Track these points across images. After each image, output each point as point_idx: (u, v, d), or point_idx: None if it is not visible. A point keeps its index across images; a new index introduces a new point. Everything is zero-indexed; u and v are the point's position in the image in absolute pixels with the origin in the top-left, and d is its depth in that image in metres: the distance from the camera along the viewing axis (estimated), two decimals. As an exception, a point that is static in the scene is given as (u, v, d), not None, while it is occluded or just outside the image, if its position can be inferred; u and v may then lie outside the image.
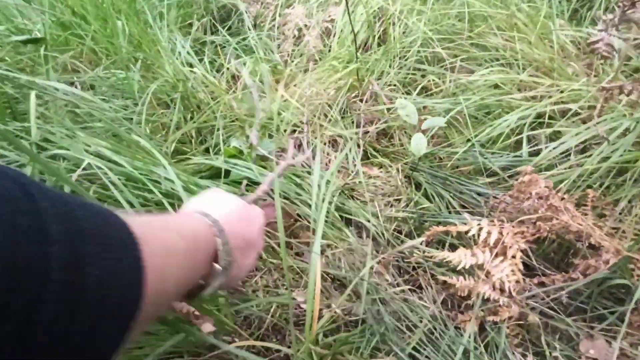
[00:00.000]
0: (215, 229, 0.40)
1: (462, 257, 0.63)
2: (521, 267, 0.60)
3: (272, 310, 0.67)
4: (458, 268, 0.61)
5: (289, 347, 0.62)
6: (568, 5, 1.37)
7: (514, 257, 0.60)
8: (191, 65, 1.08)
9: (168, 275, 0.31)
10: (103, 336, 0.24)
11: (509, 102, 0.99)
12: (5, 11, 0.90)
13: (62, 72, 0.90)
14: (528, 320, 0.62)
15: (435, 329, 0.64)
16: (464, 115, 0.98)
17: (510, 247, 0.60)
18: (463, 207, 0.86)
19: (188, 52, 1.15)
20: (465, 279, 0.62)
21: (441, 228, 0.68)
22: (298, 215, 0.83)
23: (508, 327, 0.62)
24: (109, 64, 0.89)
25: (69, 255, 0.22)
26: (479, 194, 0.84)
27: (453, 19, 1.21)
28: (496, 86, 1.05)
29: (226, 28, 1.33)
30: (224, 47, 1.29)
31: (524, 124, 0.94)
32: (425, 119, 0.84)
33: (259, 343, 0.59)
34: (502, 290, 0.58)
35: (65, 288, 0.21)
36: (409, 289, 0.75)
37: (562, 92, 0.99)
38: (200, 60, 1.18)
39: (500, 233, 0.62)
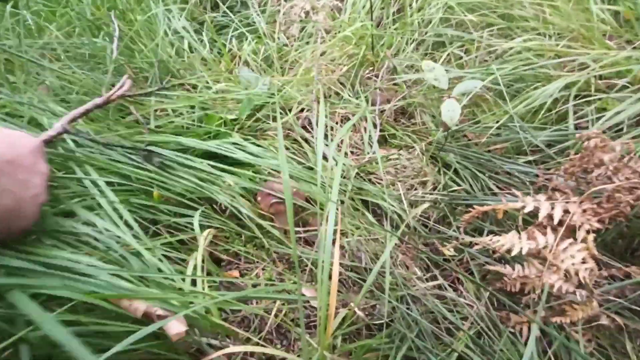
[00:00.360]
0: None
1: (514, 242, 0.49)
2: (595, 252, 0.46)
3: (275, 308, 0.54)
4: (513, 254, 0.48)
5: (299, 355, 0.49)
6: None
7: (583, 240, 0.47)
8: (190, 48, 0.96)
9: None
10: None
11: (545, 73, 0.87)
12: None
13: (36, 37, 0.79)
14: (600, 321, 0.49)
15: (483, 333, 0.51)
16: (492, 90, 0.86)
17: (579, 227, 0.47)
18: (500, 189, 0.73)
19: (184, 27, 1.04)
20: (521, 268, 0.49)
21: (485, 207, 0.55)
22: (308, 200, 0.71)
23: (577, 331, 0.48)
24: (81, 30, 0.78)
25: None
26: (521, 174, 0.71)
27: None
28: (529, 59, 0.93)
29: (227, 7, 1.22)
30: (224, 27, 1.18)
31: (566, 96, 0.81)
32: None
33: (259, 349, 0.46)
34: (579, 284, 0.45)
35: None
36: (442, 285, 0.61)
37: (603, 64, 0.86)
38: (200, 41, 1.07)
39: (566, 210, 0.49)
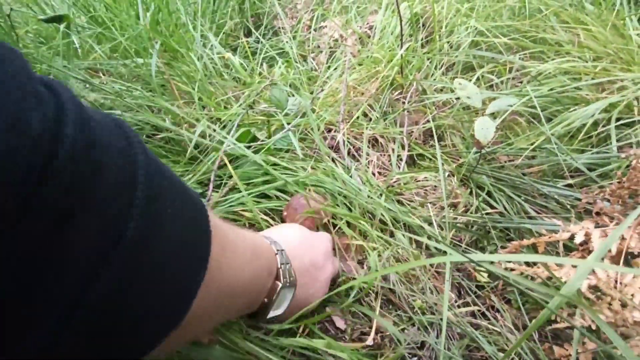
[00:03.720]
0: (274, 247, 0.42)
1: (570, 274, 0.46)
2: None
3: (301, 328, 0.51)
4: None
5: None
6: (637, 8, 1.23)
7: None
8: (225, 59, 1.00)
9: (225, 267, 0.30)
10: (168, 291, 0.24)
11: (582, 96, 0.84)
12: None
13: (83, 58, 0.83)
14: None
15: (525, 365, 0.46)
16: (526, 113, 0.84)
17: (638, 254, 0.43)
18: (538, 213, 0.69)
19: (219, 52, 1.08)
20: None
21: (525, 242, 0.52)
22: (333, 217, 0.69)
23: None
24: (127, 48, 0.82)
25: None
26: (560, 197, 0.67)
27: (507, 17, 1.09)
28: (564, 83, 0.90)
29: (260, 33, 1.27)
30: (256, 52, 1.23)
31: (606, 118, 0.78)
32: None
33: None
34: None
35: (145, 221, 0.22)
36: (477, 312, 0.57)
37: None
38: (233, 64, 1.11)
39: (622, 237, 0.45)
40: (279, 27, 1.37)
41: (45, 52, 0.79)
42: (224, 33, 1.14)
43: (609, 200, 0.57)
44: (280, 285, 0.40)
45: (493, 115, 0.80)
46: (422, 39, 1.15)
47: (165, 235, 0.23)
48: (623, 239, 0.45)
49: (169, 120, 0.84)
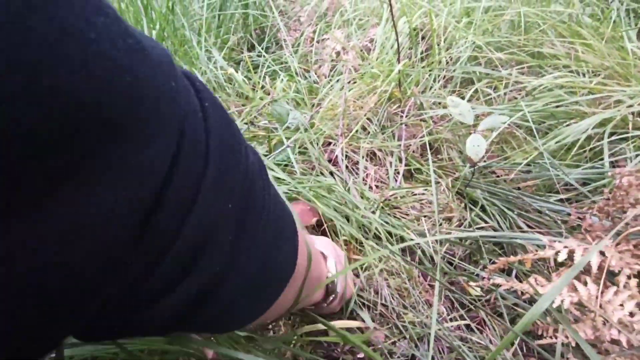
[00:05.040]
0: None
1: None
2: None
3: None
4: (555, 306, 0.46)
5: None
6: (636, 21, 1.24)
7: (626, 286, 0.44)
8: (228, 74, 1.03)
9: (302, 268, 0.35)
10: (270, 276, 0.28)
11: (578, 110, 0.85)
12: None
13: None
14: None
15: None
16: (522, 127, 0.85)
17: (619, 271, 0.44)
18: (530, 227, 0.70)
19: (222, 66, 1.11)
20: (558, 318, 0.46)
21: (512, 258, 0.53)
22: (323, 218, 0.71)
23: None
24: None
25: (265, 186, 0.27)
26: (552, 212, 0.68)
27: (505, 30, 1.11)
28: (560, 96, 0.91)
29: (263, 48, 1.30)
30: (258, 65, 1.26)
31: (600, 134, 0.79)
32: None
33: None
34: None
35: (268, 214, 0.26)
36: (466, 326, 0.59)
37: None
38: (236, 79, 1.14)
39: (602, 254, 0.46)
40: (283, 39, 1.40)
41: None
42: (227, 48, 1.17)
43: (598, 217, 0.58)
44: (333, 277, 0.47)
45: (490, 129, 0.81)
46: (421, 52, 1.17)
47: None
48: (604, 256, 0.46)
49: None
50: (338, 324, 0.51)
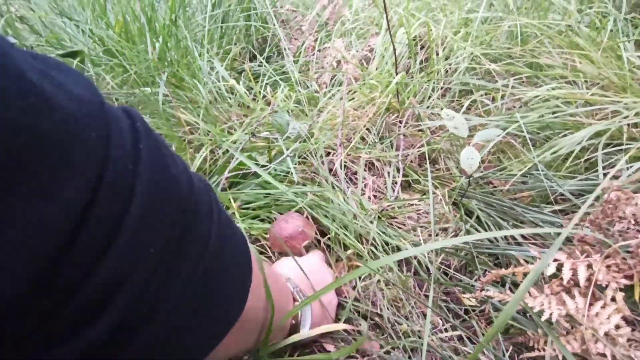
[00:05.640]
0: (288, 283, 0.51)
1: (543, 306, 0.48)
2: (627, 312, 0.44)
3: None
4: (542, 319, 0.47)
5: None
6: (634, 30, 1.24)
7: (613, 299, 0.45)
8: (229, 86, 1.05)
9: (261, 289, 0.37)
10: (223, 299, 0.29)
11: (574, 122, 0.86)
12: (51, 28, 0.93)
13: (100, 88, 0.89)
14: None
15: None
16: (521, 138, 0.86)
17: (606, 285, 0.45)
18: (525, 238, 0.71)
19: (223, 77, 1.13)
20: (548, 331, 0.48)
21: (503, 271, 0.55)
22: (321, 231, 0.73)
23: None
24: (137, 79, 0.87)
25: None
26: (545, 223, 0.69)
27: (503, 40, 1.12)
28: (557, 107, 0.92)
29: (264, 58, 1.32)
30: (260, 75, 1.28)
31: (595, 144, 0.80)
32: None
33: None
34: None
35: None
36: (458, 337, 0.60)
37: (637, 112, 0.84)
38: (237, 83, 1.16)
39: (589, 267, 0.47)
40: (284, 48, 1.43)
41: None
42: (229, 58, 1.19)
43: (589, 229, 0.59)
44: (299, 302, 0.48)
45: (487, 140, 0.83)
46: (420, 62, 1.19)
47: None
48: (591, 269, 0.47)
49: (174, 146, 0.89)
50: (322, 328, 0.52)
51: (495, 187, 0.84)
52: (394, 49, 0.91)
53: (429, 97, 1.08)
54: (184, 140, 0.89)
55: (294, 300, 0.49)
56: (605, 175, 0.74)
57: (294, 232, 0.66)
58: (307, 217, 0.74)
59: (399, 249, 0.71)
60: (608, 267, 0.48)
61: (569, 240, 0.65)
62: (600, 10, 1.25)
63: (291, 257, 0.57)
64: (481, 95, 0.99)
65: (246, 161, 0.81)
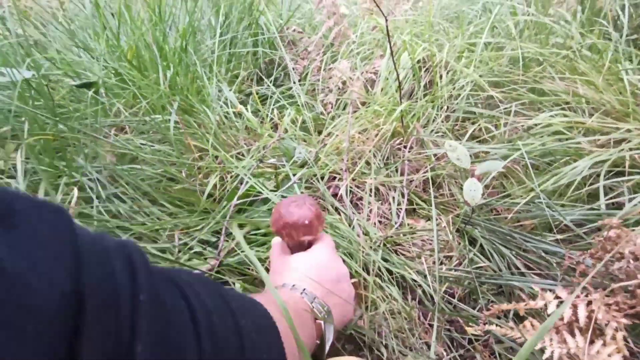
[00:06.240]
0: (297, 293, 0.49)
1: (545, 343, 0.49)
2: (626, 352, 0.45)
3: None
4: (544, 357, 0.48)
5: None
6: (636, 52, 1.26)
7: (614, 338, 0.46)
8: (238, 111, 1.08)
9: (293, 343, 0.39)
10: None
11: (576, 149, 0.87)
12: (66, 57, 0.97)
13: (113, 116, 0.92)
14: None
15: None
16: (524, 163, 0.87)
17: (606, 324, 0.46)
18: (528, 267, 0.73)
19: (231, 102, 1.16)
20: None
21: (505, 306, 0.56)
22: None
23: None
24: (148, 108, 0.91)
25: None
26: (548, 253, 0.71)
27: (506, 65, 1.14)
28: (559, 132, 0.94)
29: (271, 81, 1.36)
30: (267, 97, 1.31)
31: (598, 173, 0.81)
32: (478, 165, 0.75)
33: None
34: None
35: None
36: (465, 368, 0.61)
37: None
38: (244, 108, 1.19)
39: (589, 304, 0.48)
40: (291, 70, 1.46)
41: (79, 110, 0.89)
42: (237, 83, 1.23)
43: (590, 262, 0.61)
44: (322, 323, 0.47)
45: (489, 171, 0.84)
46: (424, 85, 1.21)
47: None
48: (590, 307, 0.48)
49: (184, 172, 0.91)
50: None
51: (498, 213, 0.86)
52: (398, 77, 0.94)
53: (433, 120, 1.10)
54: (194, 166, 0.91)
55: (315, 319, 0.47)
56: (608, 206, 0.75)
57: (299, 222, 0.57)
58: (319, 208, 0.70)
59: (403, 279, 0.72)
60: (608, 305, 0.49)
61: (572, 269, 0.67)
62: (602, 30, 1.26)
63: (303, 257, 0.57)
64: (485, 122, 1.00)
65: (258, 186, 0.84)
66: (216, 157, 0.97)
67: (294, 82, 1.32)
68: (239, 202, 0.82)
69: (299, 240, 0.58)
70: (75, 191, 0.67)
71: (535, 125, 0.89)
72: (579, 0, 1.30)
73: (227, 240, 0.81)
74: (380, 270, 0.71)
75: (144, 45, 1.00)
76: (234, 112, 1.13)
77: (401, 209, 0.89)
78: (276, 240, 0.64)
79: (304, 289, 0.49)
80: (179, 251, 0.76)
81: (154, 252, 0.73)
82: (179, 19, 1.23)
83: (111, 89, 0.92)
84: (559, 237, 0.73)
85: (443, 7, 1.51)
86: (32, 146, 0.79)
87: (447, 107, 1.09)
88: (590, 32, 1.24)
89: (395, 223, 0.86)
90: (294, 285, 0.50)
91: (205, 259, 0.76)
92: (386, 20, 0.88)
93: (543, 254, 0.69)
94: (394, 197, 0.92)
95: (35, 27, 1.27)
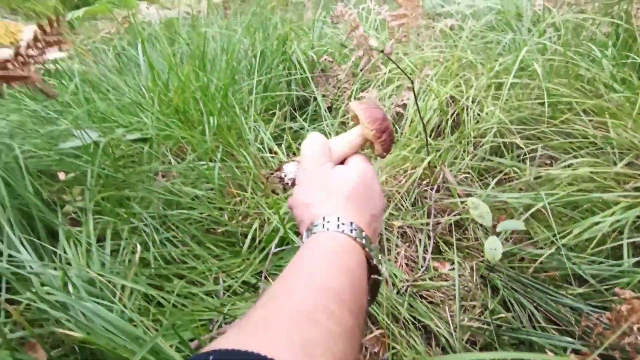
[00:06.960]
0: (357, 240, 0.42)
1: None
2: None
3: None
4: None
5: None
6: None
7: None
8: (274, 152, 1.17)
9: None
10: None
11: (603, 198, 0.89)
12: (123, 111, 1.10)
13: (162, 163, 1.04)
14: None
15: None
16: (548, 210, 0.90)
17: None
18: (549, 320, 0.76)
19: (269, 139, 1.25)
20: None
21: None
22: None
23: None
24: (195, 156, 1.01)
25: None
26: (567, 306, 0.74)
27: (532, 106, 1.16)
28: (586, 180, 0.96)
29: (304, 115, 1.44)
30: (301, 132, 1.39)
31: (624, 225, 0.83)
32: (500, 221, 0.79)
33: None
34: None
35: None
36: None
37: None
38: (279, 145, 1.28)
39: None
40: (323, 110, 1.52)
41: (134, 161, 1.00)
42: (273, 123, 1.32)
43: (608, 325, 0.64)
44: (374, 264, 0.42)
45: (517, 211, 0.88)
46: (451, 123, 1.24)
47: None
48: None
49: (226, 215, 1.01)
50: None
51: (523, 259, 0.89)
52: (424, 128, 0.99)
53: (462, 157, 1.13)
54: (235, 210, 1.01)
55: (368, 262, 0.41)
56: (634, 263, 0.77)
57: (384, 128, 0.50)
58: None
59: (428, 325, 0.78)
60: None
61: (589, 328, 0.70)
62: (635, 62, 1.25)
63: (350, 175, 0.48)
64: (512, 165, 1.03)
65: (290, 235, 0.92)
66: (253, 197, 1.06)
67: (325, 118, 1.39)
68: (277, 249, 0.90)
69: (382, 154, 0.52)
70: (138, 247, 0.78)
71: (561, 173, 0.91)
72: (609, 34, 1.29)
73: (268, 281, 0.89)
74: (405, 319, 0.77)
75: (190, 97, 1.11)
76: (269, 150, 1.22)
77: (427, 251, 0.95)
78: (319, 139, 0.51)
79: (359, 229, 0.42)
80: (224, 294, 0.85)
81: (202, 296, 0.83)
82: (220, 67, 1.34)
83: (162, 143, 1.04)
84: (580, 290, 0.77)
85: (472, 36, 1.53)
86: (96, 191, 0.91)
87: (473, 148, 1.13)
88: (623, 65, 1.23)
89: (422, 267, 0.91)
90: (339, 225, 0.42)
91: (246, 301, 0.84)
92: (412, 83, 0.93)
93: (562, 309, 0.72)
94: (420, 239, 0.98)
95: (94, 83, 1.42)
